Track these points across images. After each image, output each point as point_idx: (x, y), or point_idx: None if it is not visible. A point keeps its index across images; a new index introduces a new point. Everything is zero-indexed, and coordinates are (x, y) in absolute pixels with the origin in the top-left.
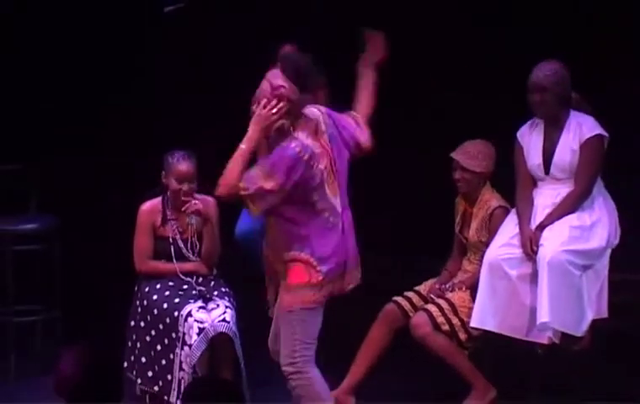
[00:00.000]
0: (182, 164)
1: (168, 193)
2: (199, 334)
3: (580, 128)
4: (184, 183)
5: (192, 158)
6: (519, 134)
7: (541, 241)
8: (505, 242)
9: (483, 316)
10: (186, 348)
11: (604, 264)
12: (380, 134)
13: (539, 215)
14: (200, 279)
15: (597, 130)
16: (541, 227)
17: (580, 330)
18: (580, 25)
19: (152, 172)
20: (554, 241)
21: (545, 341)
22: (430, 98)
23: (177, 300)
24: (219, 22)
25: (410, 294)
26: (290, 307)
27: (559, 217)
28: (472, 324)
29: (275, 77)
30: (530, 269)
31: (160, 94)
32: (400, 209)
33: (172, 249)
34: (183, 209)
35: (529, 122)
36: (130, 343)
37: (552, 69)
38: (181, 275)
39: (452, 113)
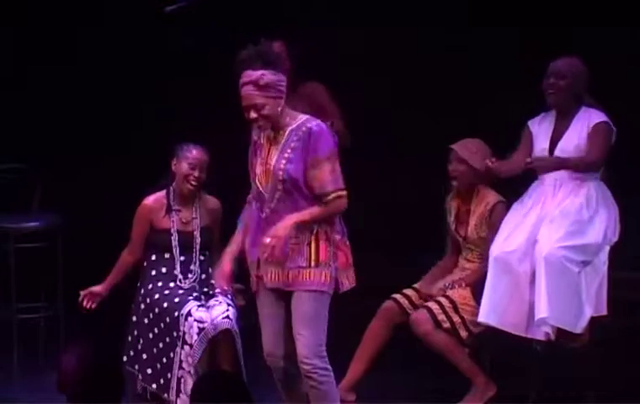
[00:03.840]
0: (196, 149)
1: (174, 184)
2: (199, 334)
3: (589, 117)
4: (195, 168)
5: (205, 149)
6: (530, 121)
7: (538, 237)
8: (507, 237)
9: (489, 311)
10: (186, 347)
11: (602, 261)
12: (379, 134)
13: (544, 208)
14: (204, 276)
15: (606, 118)
16: (538, 159)
17: (578, 327)
18: (580, 25)
19: (153, 172)
20: (551, 237)
21: (542, 337)
22: (429, 98)
23: (177, 300)
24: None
25: (409, 291)
26: (322, 286)
27: (559, 166)
28: (479, 319)
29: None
30: (532, 265)
31: (160, 94)
32: (398, 208)
33: (172, 241)
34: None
35: (541, 114)
36: (130, 338)
37: (574, 62)
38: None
39: (450, 113)
